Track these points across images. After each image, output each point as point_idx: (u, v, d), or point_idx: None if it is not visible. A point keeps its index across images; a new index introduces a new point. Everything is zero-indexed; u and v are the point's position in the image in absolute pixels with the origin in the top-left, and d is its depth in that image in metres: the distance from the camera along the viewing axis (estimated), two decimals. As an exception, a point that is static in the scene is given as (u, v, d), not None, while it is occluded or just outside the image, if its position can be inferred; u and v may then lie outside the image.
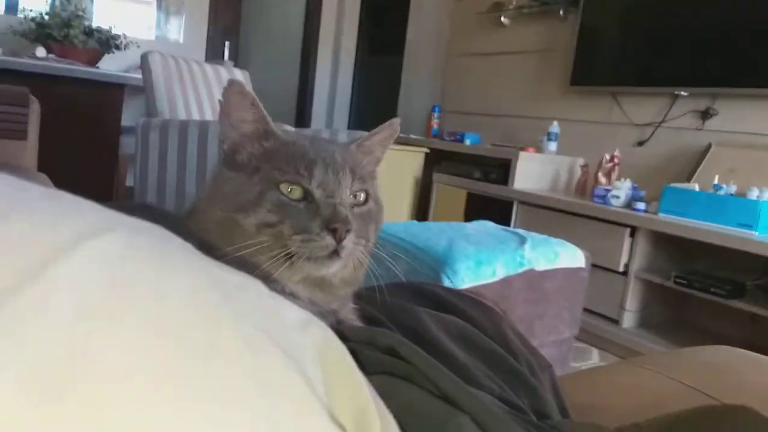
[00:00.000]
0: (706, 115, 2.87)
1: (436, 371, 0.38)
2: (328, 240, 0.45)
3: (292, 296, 0.48)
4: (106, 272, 0.24)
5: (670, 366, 0.84)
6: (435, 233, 1.64)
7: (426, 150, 3.85)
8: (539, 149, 3.38)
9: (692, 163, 2.87)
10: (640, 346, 2.43)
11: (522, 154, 3.19)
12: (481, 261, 1.50)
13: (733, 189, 2.49)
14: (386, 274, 0.58)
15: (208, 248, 0.43)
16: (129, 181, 3.50)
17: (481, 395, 0.38)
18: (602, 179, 2.94)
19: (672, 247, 2.61)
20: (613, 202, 2.75)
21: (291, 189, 0.46)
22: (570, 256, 1.81)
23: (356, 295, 0.55)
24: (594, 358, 2.38)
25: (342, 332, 0.40)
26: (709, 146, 2.83)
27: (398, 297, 0.67)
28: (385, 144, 0.55)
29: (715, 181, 2.53)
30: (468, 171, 3.44)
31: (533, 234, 1.85)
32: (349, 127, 4.90)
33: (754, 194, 2.37)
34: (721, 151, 2.78)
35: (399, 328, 0.57)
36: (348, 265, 0.49)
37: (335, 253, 0.46)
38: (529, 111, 3.73)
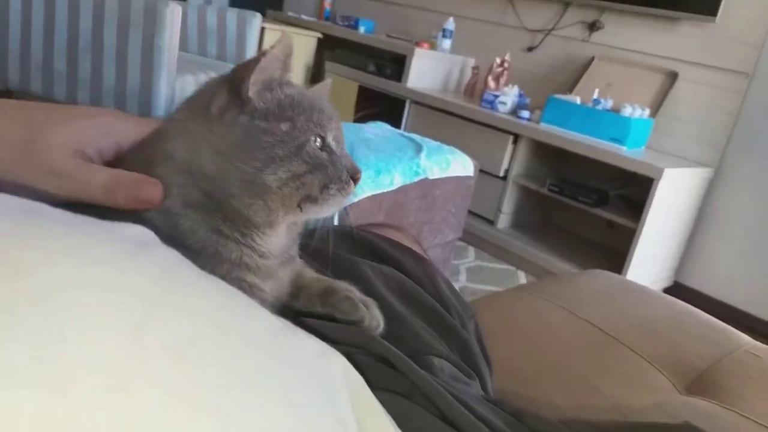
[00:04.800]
0: (593, 27, 2.96)
1: (436, 392, 0.38)
2: (352, 187, 0.47)
3: (264, 251, 0.45)
4: None
5: (557, 294, 0.92)
6: (334, 137, 1.61)
7: (319, 35, 3.69)
8: (433, 45, 3.35)
9: (575, 74, 2.99)
10: (512, 245, 2.62)
11: (417, 50, 3.14)
12: (380, 170, 1.50)
13: (609, 104, 2.64)
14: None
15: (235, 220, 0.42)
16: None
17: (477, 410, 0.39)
18: (491, 83, 3.00)
19: (549, 156, 2.77)
20: (500, 108, 2.83)
21: (315, 140, 0.45)
22: (461, 165, 1.86)
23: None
24: (470, 256, 2.55)
25: (324, 332, 0.39)
26: (592, 59, 2.95)
27: (332, 244, 0.66)
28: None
29: (595, 95, 2.67)
30: (362, 63, 3.35)
31: (428, 141, 1.87)
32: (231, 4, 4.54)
33: (627, 111, 2.53)
34: (603, 64, 2.91)
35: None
36: None
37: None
38: (425, 2, 3.65)
